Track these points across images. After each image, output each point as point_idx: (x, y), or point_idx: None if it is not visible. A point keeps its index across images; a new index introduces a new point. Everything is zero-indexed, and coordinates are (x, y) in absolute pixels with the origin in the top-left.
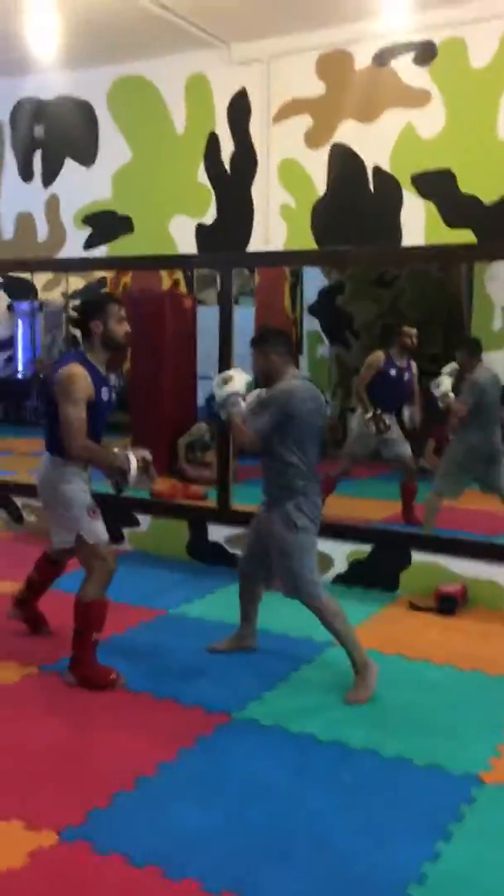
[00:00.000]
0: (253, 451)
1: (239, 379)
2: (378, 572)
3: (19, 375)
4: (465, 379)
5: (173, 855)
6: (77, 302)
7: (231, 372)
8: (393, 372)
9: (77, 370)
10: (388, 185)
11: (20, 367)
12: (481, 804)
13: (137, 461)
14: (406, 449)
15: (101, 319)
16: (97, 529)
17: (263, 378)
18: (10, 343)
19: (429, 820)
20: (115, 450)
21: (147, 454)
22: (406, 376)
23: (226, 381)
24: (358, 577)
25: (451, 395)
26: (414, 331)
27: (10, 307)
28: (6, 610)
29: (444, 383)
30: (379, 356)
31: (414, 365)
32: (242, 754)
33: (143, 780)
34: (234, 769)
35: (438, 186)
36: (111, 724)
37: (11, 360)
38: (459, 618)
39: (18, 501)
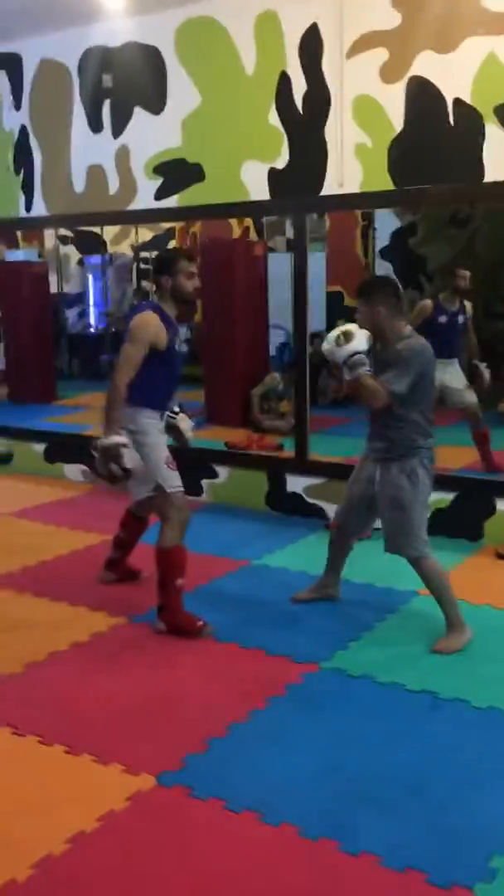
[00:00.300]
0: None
1: (360, 335)
2: (461, 521)
3: (91, 330)
4: None
5: (270, 801)
6: (146, 254)
7: (350, 327)
8: (443, 319)
9: (149, 317)
10: (469, 119)
11: (92, 322)
12: None
13: (107, 447)
14: (469, 396)
15: (169, 274)
16: (176, 478)
17: (371, 332)
18: (81, 298)
19: None
20: (115, 437)
21: (118, 443)
22: (459, 319)
23: (347, 338)
24: (440, 526)
25: None
26: (467, 273)
27: (80, 262)
28: (97, 560)
29: None
30: (428, 305)
31: (468, 306)
32: (332, 703)
33: (236, 727)
34: (325, 718)
35: None
36: (200, 673)
37: (83, 315)
38: None
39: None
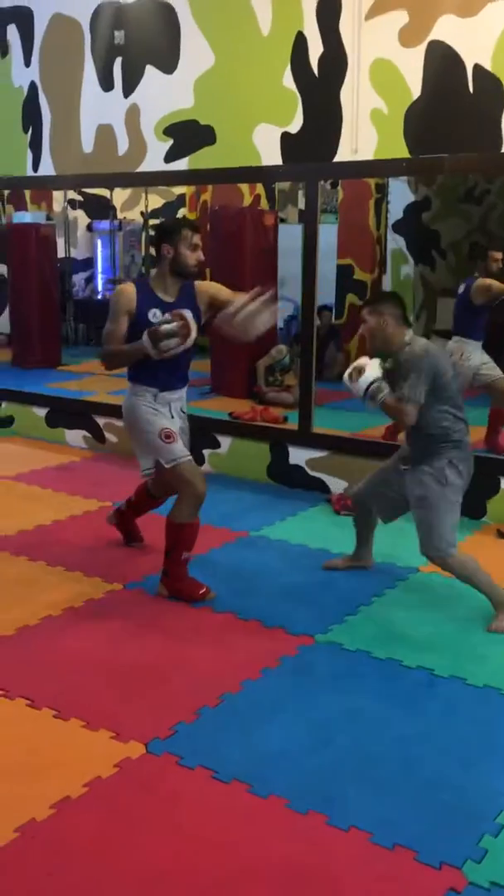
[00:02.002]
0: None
1: (371, 365)
2: (465, 499)
3: (99, 296)
4: None
5: (259, 772)
6: (156, 221)
7: (358, 362)
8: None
9: (123, 287)
10: (489, 86)
11: (100, 288)
12: None
13: (167, 320)
14: (497, 373)
15: (171, 244)
16: (174, 451)
17: (376, 342)
18: (89, 264)
19: None
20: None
21: (183, 313)
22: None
23: (359, 373)
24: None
25: None
26: (501, 254)
27: (89, 227)
28: (94, 526)
29: None
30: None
31: None
32: (327, 677)
33: (229, 697)
34: (319, 691)
35: None
36: (195, 643)
37: (91, 280)
38: None
39: (100, 421)
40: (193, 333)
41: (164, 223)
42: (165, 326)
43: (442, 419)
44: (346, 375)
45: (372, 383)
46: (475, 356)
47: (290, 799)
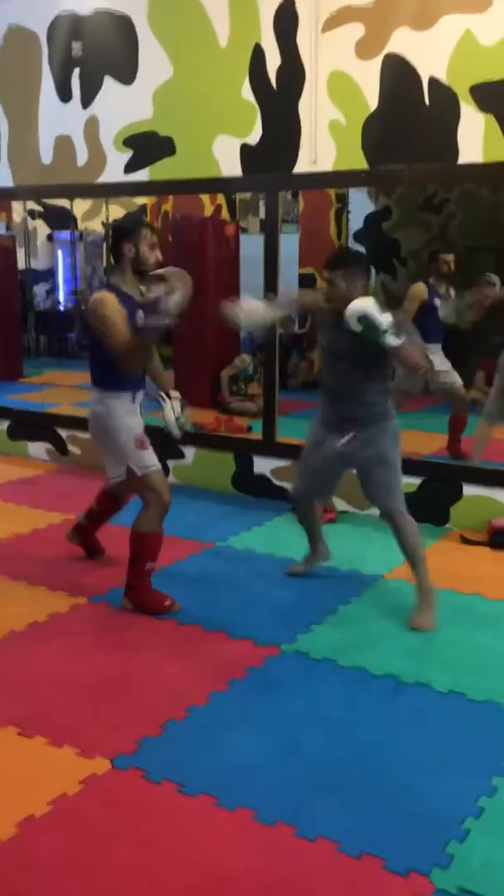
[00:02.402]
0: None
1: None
2: (428, 506)
3: (60, 307)
4: None
5: (226, 785)
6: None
7: (369, 299)
8: (437, 301)
9: (105, 296)
10: (444, 98)
11: (61, 299)
12: None
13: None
14: (456, 378)
15: (133, 242)
16: (146, 459)
17: (336, 304)
18: (50, 274)
19: (485, 754)
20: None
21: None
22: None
23: (379, 311)
24: (408, 510)
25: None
26: (451, 256)
27: (49, 237)
28: (57, 540)
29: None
30: (422, 288)
31: (452, 291)
32: (294, 686)
33: (195, 709)
34: (286, 701)
35: (499, 98)
36: (161, 655)
37: (52, 291)
38: None
39: (63, 433)
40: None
41: (122, 223)
42: (174, 298)
43: (387, 383)
44: (368, 307)
45: (395, 322)
46: (435, 358)
47: (258, 811)
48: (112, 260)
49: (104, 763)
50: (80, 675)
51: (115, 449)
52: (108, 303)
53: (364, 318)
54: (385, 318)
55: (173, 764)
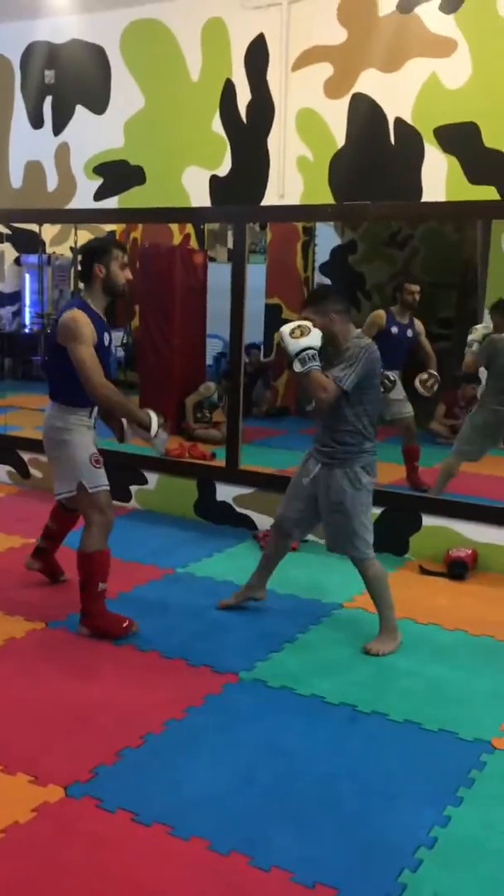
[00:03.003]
0: (321, 408)
1: (315, 333)
2: (388, 536)
3: (26, 330)
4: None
5: (181, 813)
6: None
7: (307, 323)
8: (395, 330)
9: (78, 314)
10: (409, 139)
11: (27, 322)
12: (492, 769)
13: (158, 419)
14: (408, 408)
15: (103, 263)
16: (100, 477)
17: (324, 340)
18: (17, 297)
19: (439, 784)
20: (150, 415)
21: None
22: (409, 333)
23: (303, 332)
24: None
25: (474, 347)
26: (416, 287)
27: (17, 261)
28: (16, 564)
29: (478, 331)
30: (381, 314)
31: (418, 323)
32: (251, 714)
33: (151, 737)
34: (243, 729)
35: (462, 140)
36: (118, 682)
37: (18, 314)
38: (470, 583)
39: (25, 456)
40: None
41: (92, 244)
42: (163, 435)
43: (358, 422)
44: (286, 329)
45: (309, 348)
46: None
47: (212, 840)
48: (81, 281)
49: (58, 791)
50: (34, 702)
51: (70, 465)
52: (86, 324)
53: (281, 340)
54: (297, 344)
55: (128, 792)
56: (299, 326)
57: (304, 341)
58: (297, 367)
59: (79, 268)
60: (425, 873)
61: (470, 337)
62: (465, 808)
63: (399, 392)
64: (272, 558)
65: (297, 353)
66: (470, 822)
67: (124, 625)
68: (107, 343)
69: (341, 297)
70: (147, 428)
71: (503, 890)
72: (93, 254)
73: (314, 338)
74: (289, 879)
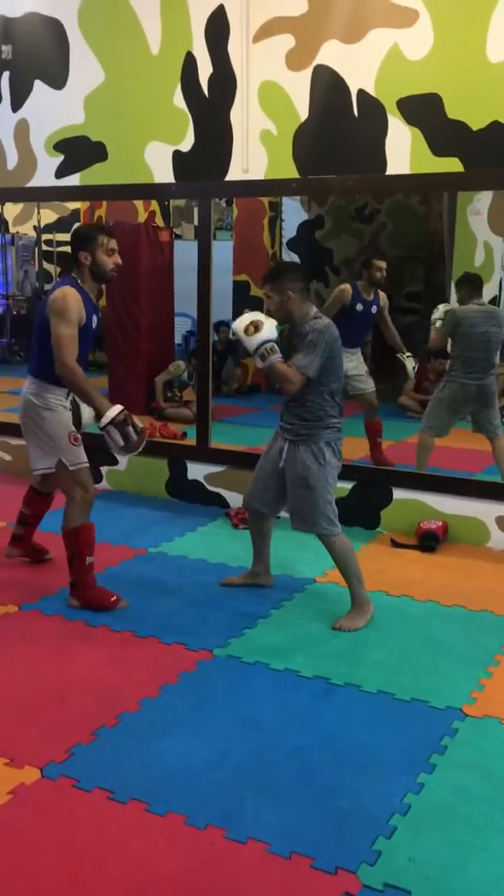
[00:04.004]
0: (288, 393)
1: (269, 324)
2: (359, 510)
3: None
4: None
5: (157, 790)
6: (49, 236)
7: (258, 316)
8: (360, 307)
9: (71, 292)
10: (372, 111)
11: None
12: (463, 736)
13: (119, 416)
14: (370, 384)
15: (89, 250)
16: (79, 455)
17: (279, 315)
18: None
19: (412, 752)
20: (112, 409)
21: (118, 411)
22: (373, 309)
23: (257, 328)
24: (339, 514)
25: (437, 324)
26: (383, 264)
27: None
28: None
29: (440, 309)
30: (346, 289)
31: (383, 296)
32: (225, 690)
33: (126, 716)
34: (218, 705)
35: (425, 112)
36: (93, 663)
37: None
38: (441, 554)
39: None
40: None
41: (79, 231)
42: (135, 439)
43: (323, 401)
44: (240, 327)
45: (266, 342)
46: (350, 362)
47: (189, 815)
48: (52, 266)
49: (34, 772)
50: (9, 684)
51: (48, 441)
52: (75, 303)
53: (235, 336)
54: (254, 341)
55: (104, 771)
56: (252, 322)
57: (260, 336)
58: (259, 363)
59: (43, 248)
60: (400, 839)
61: (433, 315)
62: (438, 775)
63: (361, 367)
64: (256, 541)
65: (256, 349)
66: (442, 788)
67: (112, 599)
68: (94, 325)
69: (299, 274)
70: (99, 416)
71: (476, 853)
72: (77, 242)
73: (269, 330)
74: (265, 850)
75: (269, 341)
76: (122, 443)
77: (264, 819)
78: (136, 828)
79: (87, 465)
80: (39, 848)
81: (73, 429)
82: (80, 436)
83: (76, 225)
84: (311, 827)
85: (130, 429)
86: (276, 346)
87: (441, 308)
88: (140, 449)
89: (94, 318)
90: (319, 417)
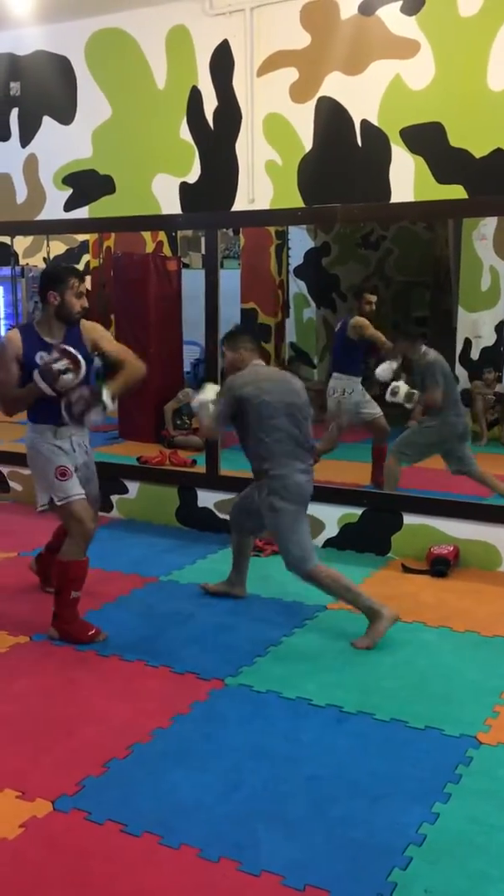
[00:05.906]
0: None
1: (209, 388)
2: (370, 535)
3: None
4: (420, 365)
5: (170, 822)
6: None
7: (206, 385)
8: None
9: (8, 335)
10: (376, 140)
11: (2, 335)
12: (478, 765)
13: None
14: (376, 410)
15: (58, 291)
16: (67, 489)
17: (232, 371)
18: None
19: (426, 781)
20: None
21: (64, 347)
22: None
23: (198, 391)
24: (349, 540)
25: (415, 391)
26: (374, 297)
27: None
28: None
29: (402, 387)
30: (363, 323)
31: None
32: (237, 720)
33: (138, 747)
34: (230, 735)
35: (428, 140)
36: (104, 693)
37: None
38: (452, 579)
39: (4, 470)
40: (83, 365)
41: (49, 271)
42: (56, 365)
43: (258, 451)
44: (197, 402)
45: (200, 403)
46: (356, 392)
47: (202, 847)
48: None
49: (45, 805)
50: (21, 716)
51: (41, 479)
52: (8, 344)
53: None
54: (195, 403)
55: (116, 804)
56: (200, 389)
57: (200, 397)
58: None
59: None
60: (415, 871)
61: (401, 393)
62: (453, 804)
63: (364, 395)
64: (238, 559)
65: (195, 410)
66: (458, 817)
67: (90, 633)
68: (38, 360)
69: (249, 336)
70: (51, 384)
71: (492, 884)
72: (48, 281)
73: (208, 392)
74: (279, 883)
75: (201, 402)
76: (49, 391)
77: (278, 851)
78: (149, 861)
79: (81, 496)
80: (51, 882)
81: (61, 463)
82: (69, 469)
83: (48, 264)
84: (326, 859)
85: (67, 376)
86: (208, 404)
87: (401, 388)
88: (91, 410)
89: (42, 355)
90: (264, 468)
